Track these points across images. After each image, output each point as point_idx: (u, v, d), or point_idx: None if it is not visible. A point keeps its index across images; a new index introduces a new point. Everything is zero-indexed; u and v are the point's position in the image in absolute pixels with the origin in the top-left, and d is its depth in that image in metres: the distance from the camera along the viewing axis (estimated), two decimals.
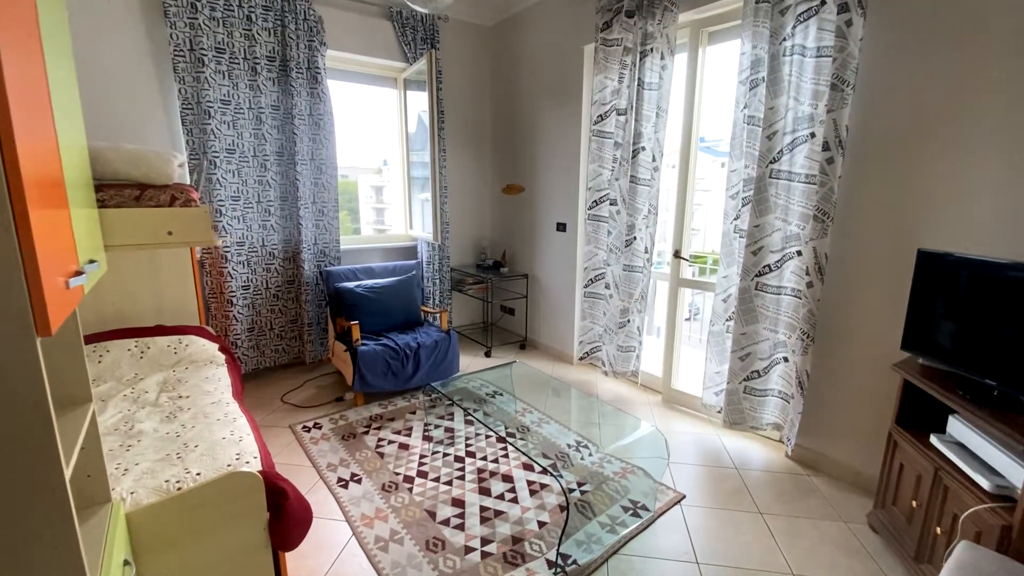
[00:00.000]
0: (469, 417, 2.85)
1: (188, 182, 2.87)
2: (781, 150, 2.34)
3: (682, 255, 3.04)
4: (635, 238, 3.13)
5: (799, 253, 2.35)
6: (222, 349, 2.70)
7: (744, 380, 2.58)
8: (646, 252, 3.12)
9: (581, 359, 3.66)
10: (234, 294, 3.30)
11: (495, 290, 4.55)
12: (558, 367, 3.82)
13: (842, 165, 2.17)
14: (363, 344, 3.03)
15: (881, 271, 2.17)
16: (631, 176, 3.06)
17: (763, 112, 2.35)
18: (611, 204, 3.24)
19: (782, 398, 2.53)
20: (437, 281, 4.14)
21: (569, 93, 3.57)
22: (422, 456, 2.51)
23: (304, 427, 2.81)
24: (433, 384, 2.81)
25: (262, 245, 3.41)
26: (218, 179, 3.14)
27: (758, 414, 2.60)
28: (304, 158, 3.43)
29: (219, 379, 2.34)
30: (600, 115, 3.25)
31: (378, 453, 2.54)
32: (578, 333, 3.69)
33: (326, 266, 3.61)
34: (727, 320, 2.69)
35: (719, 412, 2.78)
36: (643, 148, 3.01)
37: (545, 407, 3.04)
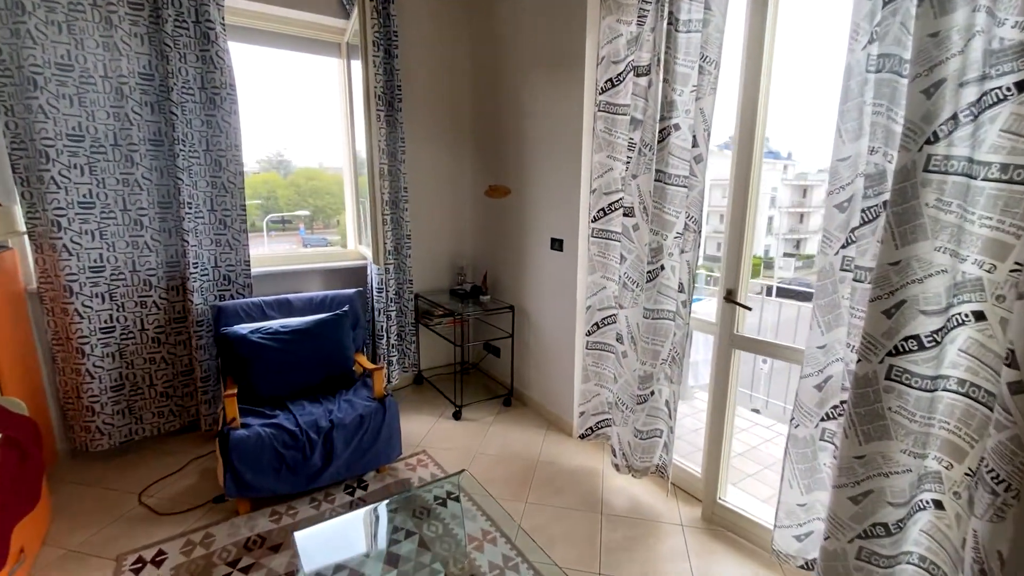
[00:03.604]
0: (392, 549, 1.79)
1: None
2: (954, 117, 1.20)
3: (736, 299, 1.91)
4: (662, 267, 2.02)
5: (981, 316, 1.21)
6: (6, 441, 1.73)
7: (859, 537, 1.44)
8: (680, 290, 2.00)
9: (584, 436, 2.56)
10: (87, 340, 2.33)
11: (474, 324, 3.49)
12: (551, 440, 2.72)
13: None
14: (241, 427, 2.01)
15: None
16: (656, 171, 1.95)
17: (912, 47, 1.21)
18: (625, 214, 2.14)
19: (931, 573, 1.39)
20: (393, 313, 3.10)
21: (567, 52, 2.47)
22: None
23: (138, 562, 1.81)
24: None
25: (132, 270, 2.43)
26: (53, 178, 2.18)
27: None
28: (193, 148, 2.45)
29: None
30: (610, 79, 2.15)
31: None
32: (578, 399, 2.59)
33: (225, 299, 2.62)
34: (822, 420, 1.56)
35: (802, 567, 1.66)
36: (676, 126, 1.89)
37: (516, 534, 1.96)
